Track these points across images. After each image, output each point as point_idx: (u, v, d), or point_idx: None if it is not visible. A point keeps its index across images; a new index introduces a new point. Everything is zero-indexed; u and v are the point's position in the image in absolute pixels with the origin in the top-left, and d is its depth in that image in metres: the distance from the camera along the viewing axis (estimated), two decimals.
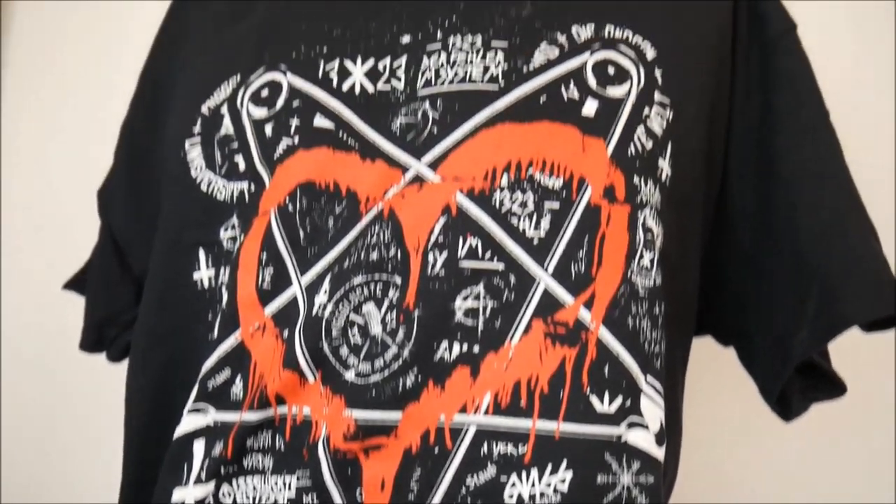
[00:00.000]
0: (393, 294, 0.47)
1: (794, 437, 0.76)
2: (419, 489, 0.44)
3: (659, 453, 0.47)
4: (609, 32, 0.51)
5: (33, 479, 1.02)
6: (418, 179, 0.48)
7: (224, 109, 0.55)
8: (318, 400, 0.46)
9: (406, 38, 0.53)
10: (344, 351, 0.47)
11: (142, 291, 0.60)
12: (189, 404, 0.50)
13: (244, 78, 0.56)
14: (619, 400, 0.45)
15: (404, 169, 0.49)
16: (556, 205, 0.47)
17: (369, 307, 0.47)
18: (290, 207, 0.50)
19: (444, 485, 0.44)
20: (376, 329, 0.46)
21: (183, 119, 0.57)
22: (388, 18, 0.54)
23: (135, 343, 0.58)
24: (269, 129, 0.53)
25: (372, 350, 0.46)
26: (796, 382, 0.54)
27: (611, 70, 0.50)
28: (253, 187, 0.52)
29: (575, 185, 0.47)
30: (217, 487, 0.47)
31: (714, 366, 0.66)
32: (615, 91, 0.49)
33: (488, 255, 0.46)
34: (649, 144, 0.49)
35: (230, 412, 0.48)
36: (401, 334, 0.46)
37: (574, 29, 0.51)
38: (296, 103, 0.53)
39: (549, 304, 0.45)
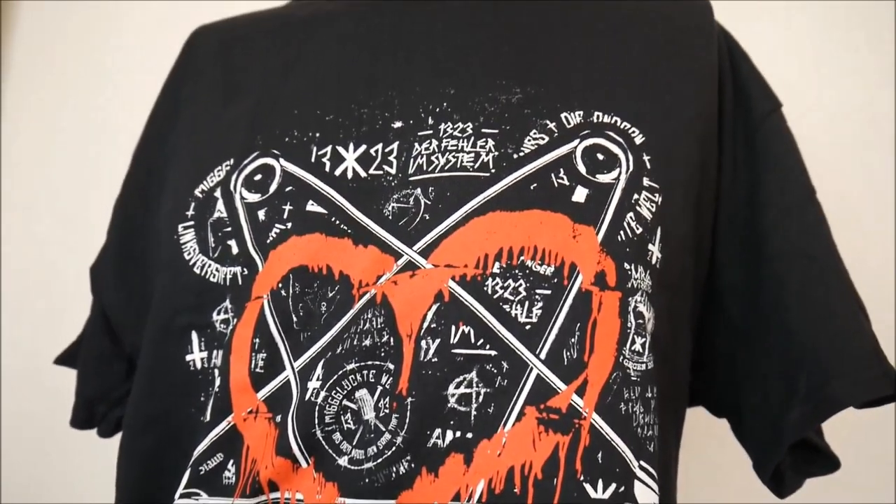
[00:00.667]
0: (386, 380, 0.47)
1: None
2: None
3: None
4: (597, 118, 0.52)
5: (33, 479, 1.01)
6: (411, 266, 0.49)
7: (217, 193, 0.56)
8: (311, 486, 0.46)
9: (398, 124, 0.54)
10: (337, 437, 0.47)
11: (134, 366, 0.59)
12: (180, 489, 0.49)
13: (237, 162, 0.56)
14: (612, 486, 0.44)
15: (397, 256, 0.49)
16: (547, 291, 0.47)
17: (362, 393, 0.47)
18: (283, 292, 0.50)
19: None
20: (370, 415, 0.46)
21: (176, 203, 0.58)
22: (379, 104, 0.55)
23: (126, 425, 0.57)
24: (262, 214, 0.53)
25: (365, 436, 0.46)
26: (789, 458, 0.54)
27: (600, 156, 0.50)
28: (246, 271, 0.52)
29: (566, 272, 0.47)
30: None
31: None
32: (604, 177, 0.50)
33: (481, 341, 0.46)
34: (639, 230, 0.49)
35: (222, 498, 0.48)
36: (394, 421, 0.46)
37: (563, 115, 0.52)
38: (289, 188, 0.53)
39: (541, 391, 0.45)
